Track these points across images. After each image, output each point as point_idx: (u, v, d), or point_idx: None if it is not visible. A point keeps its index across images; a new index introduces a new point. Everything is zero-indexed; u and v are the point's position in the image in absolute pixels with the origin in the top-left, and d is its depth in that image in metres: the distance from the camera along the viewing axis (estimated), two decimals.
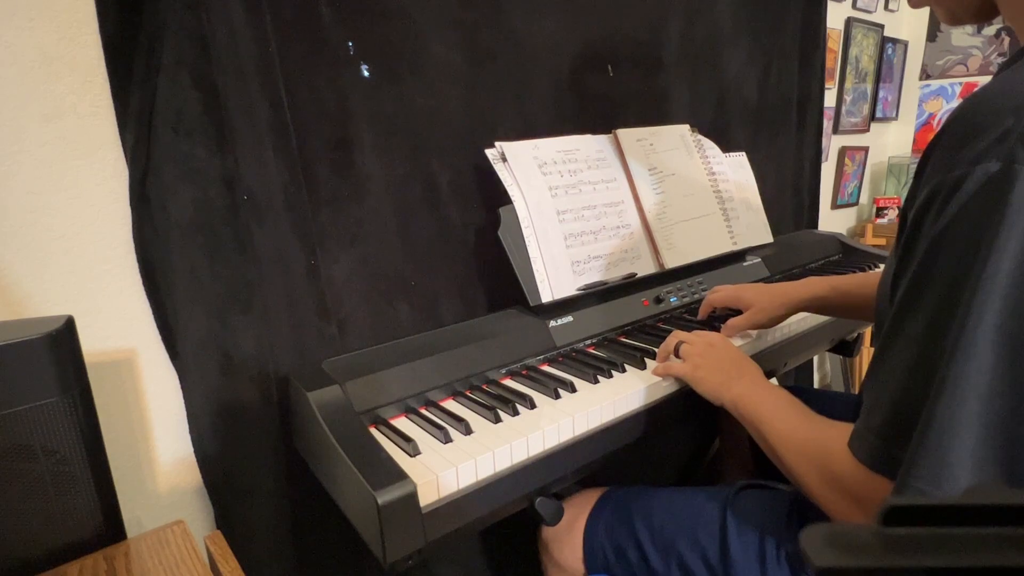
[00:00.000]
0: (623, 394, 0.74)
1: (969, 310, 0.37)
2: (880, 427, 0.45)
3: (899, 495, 0.41)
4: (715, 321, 0.93)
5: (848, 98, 1.92)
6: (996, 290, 0.37)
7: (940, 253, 0.40)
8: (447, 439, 0.65)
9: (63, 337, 0.53)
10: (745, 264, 1.16)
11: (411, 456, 0.63)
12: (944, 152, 0.41)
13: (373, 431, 0.68)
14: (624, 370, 0.80)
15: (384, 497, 0.54)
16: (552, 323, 0.88)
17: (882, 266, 1.25)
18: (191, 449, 0.77)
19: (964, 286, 0.38)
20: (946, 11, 0.52)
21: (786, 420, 0.61)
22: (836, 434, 0.53)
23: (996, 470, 0.38)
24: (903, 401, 0.43)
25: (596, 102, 1.11)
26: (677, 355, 0.77)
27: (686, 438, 1.39)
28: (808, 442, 0.56)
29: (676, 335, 0.79)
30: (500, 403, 0.72)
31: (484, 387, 0.78)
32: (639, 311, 0.97)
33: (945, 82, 2.19)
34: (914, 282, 0.43)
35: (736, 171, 1.21)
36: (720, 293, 0.92)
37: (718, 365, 0.73)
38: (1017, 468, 0.37)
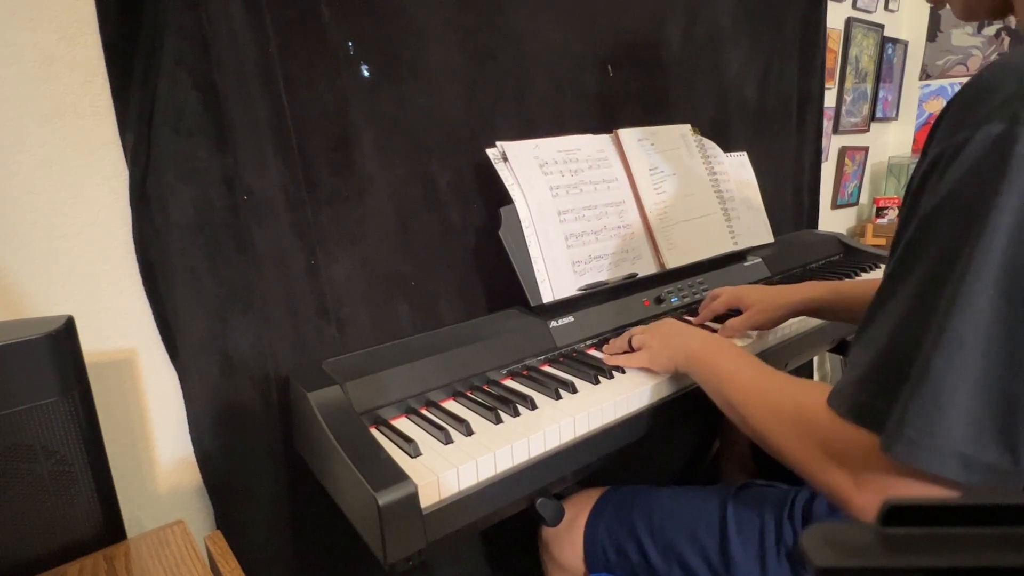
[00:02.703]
0: (624, 395, 0.73)
1: (968, 266, 0.38)
2: (861, 379, 0.45)
3: (887, 442, 0.41)
4: (715, 321, 0.93)
5: (848, 98, 1.92)
6: (996, 247, 0.37)
7: (941, 214, 0.40)
8: (448, 440, 0.65)
9: (63, 337, 0.53)
10: (746, 264, 1.16)
11: (412, 457, 0.63)
12: (950, 120, 0.41)
13: (374, 432, 0.68)
14: (625, 371, 0.80)
15: (385, 498, 0.54)
16: (553, 323, 0.88)
17: (883, 266, 1.25)
18: (191, 449, 0.77)
19: (964, 244, 0.38)
20: (962, 5, 0.52)
21: (749, 376, 0.61)
22: (808, 389, 0.53)
23: (990, 424, 0.38)
24: (890, 355, 0.43)
25: (596, 102, 1.11)
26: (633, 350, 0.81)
27: (686, 438, 1.39)
28: (779, 397, 0.56)
29: (628, 332, 0.83)
30: (501, 404, 0.72)
31: (485, 388, 0.78)
32: (640, 311, 0.97)
33: (945, 82, 2.19)
34: (912, 243, 0.43)
35: (737, 171, 1.20)
36: (720, 299, 0.92)
37: (667, 337, 0.76)
38: (1009, 423, 0.37)
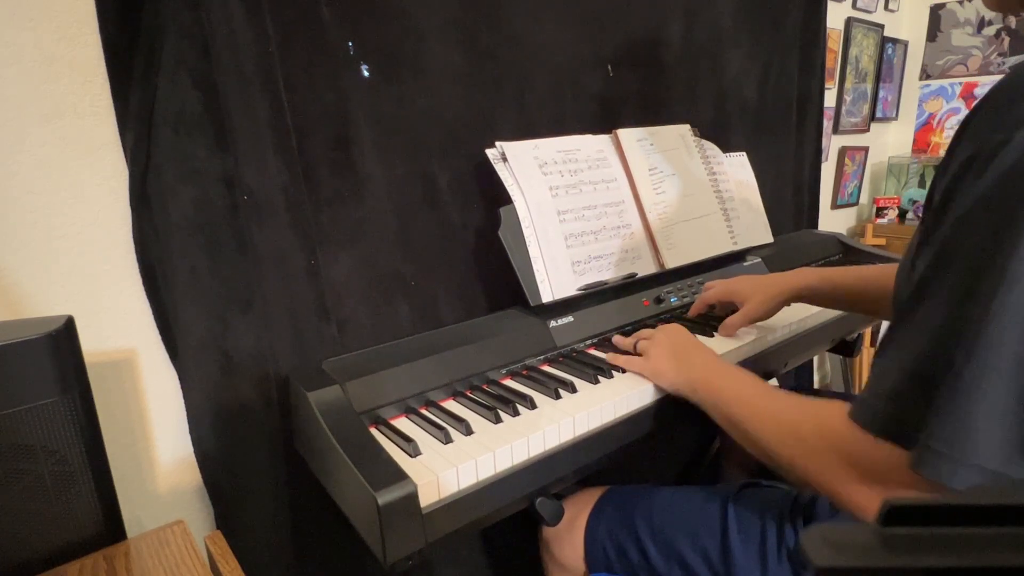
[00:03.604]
0: (623, 394, 0.73)
1: (1004, 274, 0.36)
2: (890, 392, 0.44)
3: (915, 459, 0.40)
4: (711, 320, 0.93)
5: (848, 98, 1.92)
6: None
7: (977, 218, 0.39)
8: (447, 439, 0.65)
9: (63, 337, 0.53)
10: (745, 264, 1.16)
11: (411, 456, 0.63)
12: (984, 119, 0.40)
13: (373, 431, 0.68)
14: (624, 370, 0.80)
15: (384, 498, 0.54)
16: (552, 323, 0.88)
17: (881, 265, 1.25)
18: (191, 449, 0.77)
19: (998, 254, 0.37)
20: None
21: (759, 399, 0.60)
22: (825, 405, 0.53)
23: (1020, 440, 0.37)
24: (921, 367, 0.42)
25: (596, 102, 1.11)
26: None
27: (686, 438, 1.39)
28: (794, 415, 0.55)
29: (637, 334, 0.82)
30: (500, 403, 0.72)
31: (484, 387, 0.78)
32: (640, 311, 0.97)
33: (945, 82, 2.19)
34: (943, 251, 0.41)
35: (736, 171, 1.20)
36: (713, 290, 0.93)
37: (671, 352, 0.74)
38: None
